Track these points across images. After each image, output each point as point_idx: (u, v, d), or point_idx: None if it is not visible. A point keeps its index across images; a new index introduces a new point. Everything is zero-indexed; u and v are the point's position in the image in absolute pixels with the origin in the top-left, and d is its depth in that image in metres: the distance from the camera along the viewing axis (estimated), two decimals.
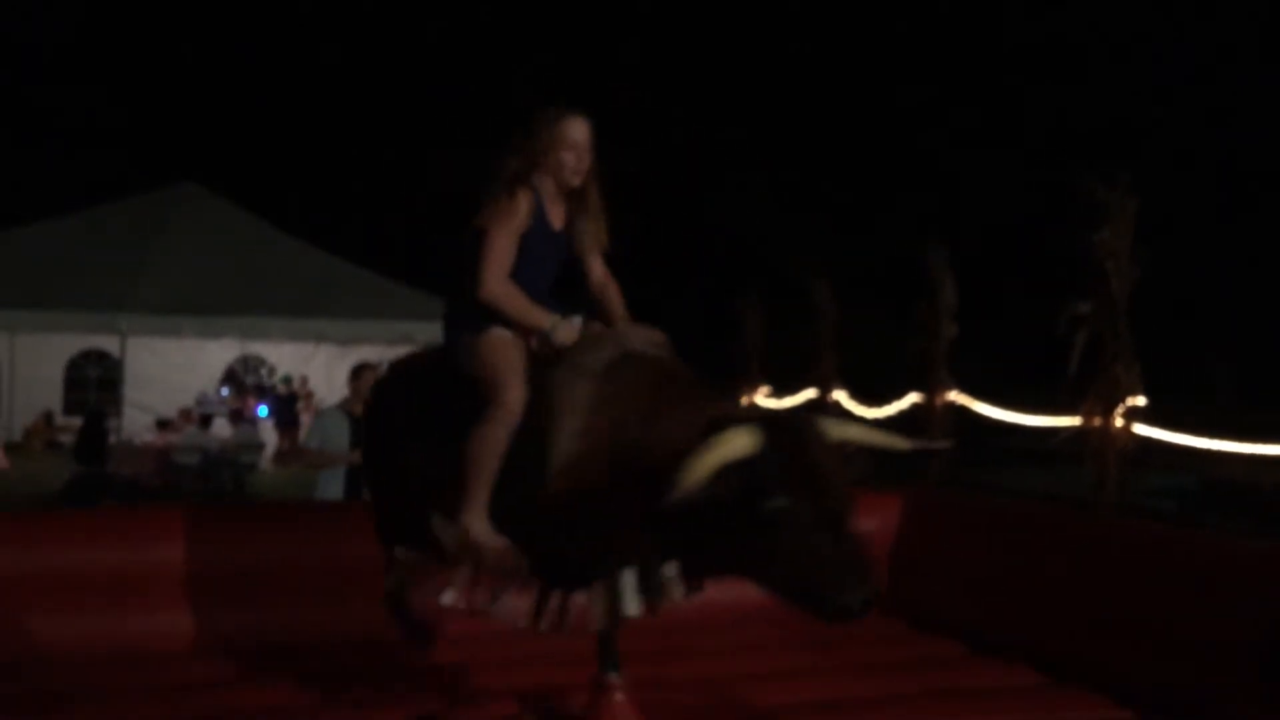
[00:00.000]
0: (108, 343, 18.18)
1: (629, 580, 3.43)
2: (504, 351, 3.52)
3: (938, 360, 8.48)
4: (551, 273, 3.79)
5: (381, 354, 17.59)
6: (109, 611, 4.87)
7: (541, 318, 3.55)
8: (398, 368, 4.44)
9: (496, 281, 3.52)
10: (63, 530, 5.18)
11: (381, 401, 4.29)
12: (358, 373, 7.20)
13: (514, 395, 3.42)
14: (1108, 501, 6.19)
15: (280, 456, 16.55)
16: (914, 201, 33.32)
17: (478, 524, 3.43)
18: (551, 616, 3.52)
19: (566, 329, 3.57)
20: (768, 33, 42.96)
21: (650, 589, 3.44)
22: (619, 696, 3.74)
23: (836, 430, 3.21)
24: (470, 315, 3.59)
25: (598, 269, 3.86)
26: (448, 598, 3.55)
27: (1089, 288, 6.47)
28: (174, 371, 17.95)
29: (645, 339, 3.63)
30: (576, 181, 3.67)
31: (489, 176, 3.65)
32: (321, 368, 18.66)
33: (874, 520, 6.10)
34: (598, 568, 3.46)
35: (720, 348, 13.71)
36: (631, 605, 3.42)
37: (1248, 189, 32.75)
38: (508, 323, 3.58)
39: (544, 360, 3.55)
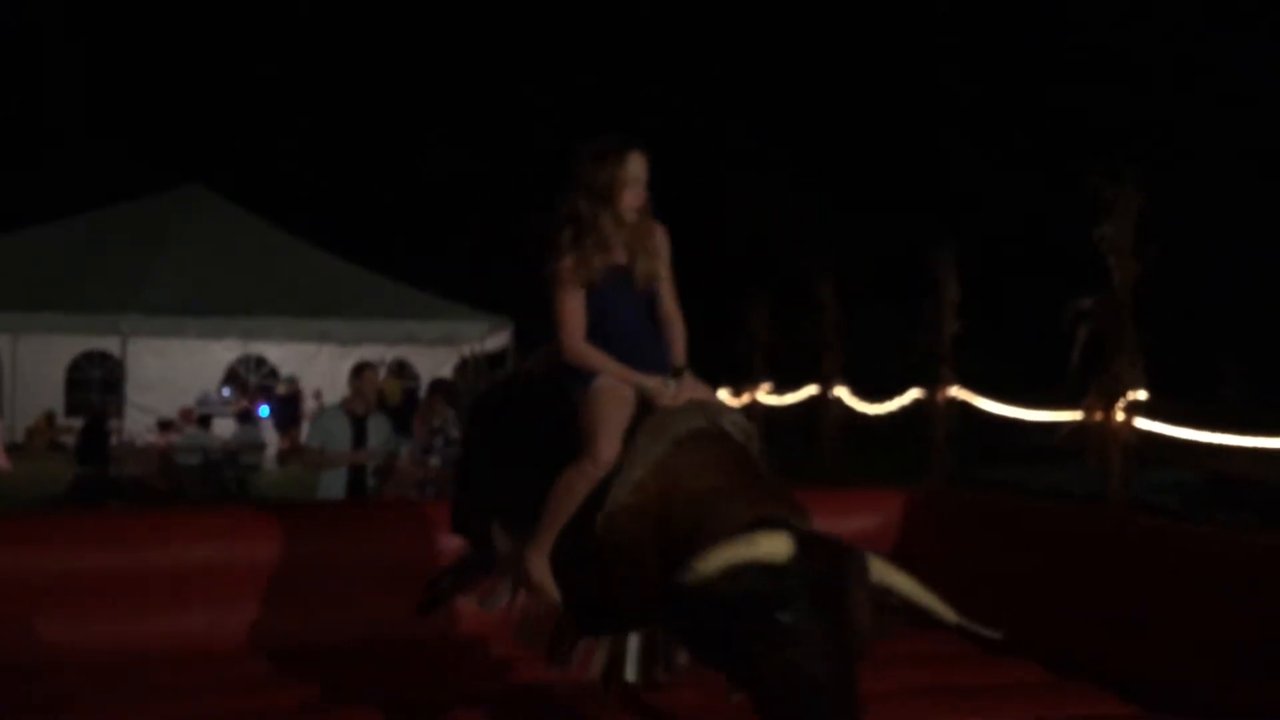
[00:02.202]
0: (109, 344, 18.15)
1: (634, 645, 3.61)
2: (608, 405, 3.49)
3: (941, 356, 8.46)
4: (644, 301, 3.71)
5: (384, 354, 17.58)
6: (110, 614, 4.86)
7: (632, 376, 3.50)
8: (508, 386, 4.34)
9: (575, 343, 3.52)
10: (68, 532, 5.17)
11: (486, 414, 4.24)
12: (359, 371, 7.18)
13: (606, 451, 3.41)
14: (1111, 497, 6.17)
15: (283, 456, 16.53)
16: (918, 199, 33.32)
17: (538, 563, 3.50)
18: (565, 653, 3.68)
19: (667, 395, 3.50)
20: (776, 32, 42.94)
21: (652, 660, 3.63)
22: (624, 696, 3.73)
23: (881, 571, 3.05)
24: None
25: (662, 305, 3.77)
26: (487, 605, 3.96)
27: (1092, 283, 6.46)
28: (176, 372, 17.91)
29: (735, 420, 3.60)
30: (634, 218, 3.61)
31: (552, 213, 3.58)
32: (324, 368, 18.64)
33: (877, 518, 6.10)
34: (617, 621, 3.55)
35: (726, 344, 13.71)
36: (631, 670, 3.61)
37: (1255, 183, 32.70)
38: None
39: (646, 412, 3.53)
